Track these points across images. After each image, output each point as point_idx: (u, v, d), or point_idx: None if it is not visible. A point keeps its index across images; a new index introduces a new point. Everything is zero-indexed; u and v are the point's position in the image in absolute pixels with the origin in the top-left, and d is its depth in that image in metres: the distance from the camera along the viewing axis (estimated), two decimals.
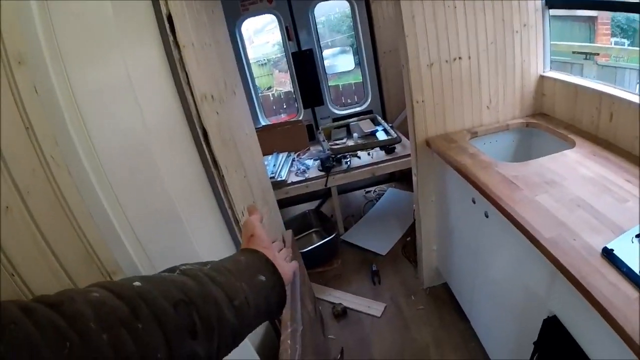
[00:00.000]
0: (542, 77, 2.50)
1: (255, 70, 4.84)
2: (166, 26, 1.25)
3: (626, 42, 7.97)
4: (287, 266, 0.77)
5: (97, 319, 0.43)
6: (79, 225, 0.66)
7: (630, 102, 1.90)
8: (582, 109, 2.22)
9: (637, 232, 1.30)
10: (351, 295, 3.10)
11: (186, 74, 1.31)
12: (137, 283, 0.51)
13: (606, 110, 2.04)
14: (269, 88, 5.61)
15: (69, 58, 0.75)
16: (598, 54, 5.15)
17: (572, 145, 2.06)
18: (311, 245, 3.38)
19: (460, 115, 2.44)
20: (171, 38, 1.26)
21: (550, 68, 2.55)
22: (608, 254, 1.23)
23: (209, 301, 0.55)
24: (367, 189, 4.54)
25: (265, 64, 5.60)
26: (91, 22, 0.84)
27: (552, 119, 2.44)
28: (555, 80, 2.42)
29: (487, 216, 1.84)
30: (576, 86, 2.24)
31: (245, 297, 0.62)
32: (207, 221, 1.36)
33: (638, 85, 4.67)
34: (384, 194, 4.38)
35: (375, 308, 2.92)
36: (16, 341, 0.36)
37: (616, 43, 7.56)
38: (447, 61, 2.30)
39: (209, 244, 1.30)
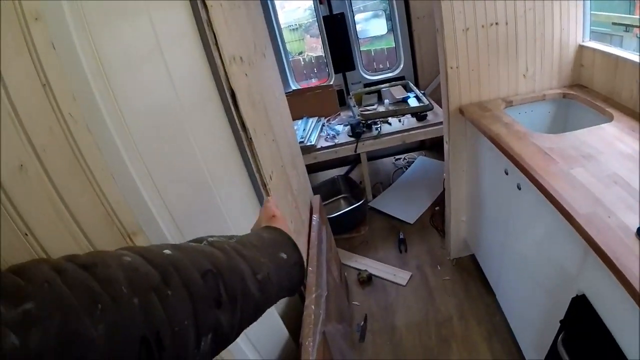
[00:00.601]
0: (581, 47, 2.39)
1: (287, 35, 4.79)
2: None
3: None
4: None
5: (129, 283, 0.44)
6: (99, 185, 0.65)
7: None
8: (621, 82, 2.12)
9: None
10: (377, 262, 3.10)
11: (214, 34, 1.28)
12: (167, 251, 0.52)
13: None
14: (300, 53, 5.54)
15: (92, 16, 0.73)
16: (637, 26, 4.92)
17: (610, 119, 1.98)
18: (339, 211, 3.38)
19: (495, 83, 2.36)
20: None
21: (590, 38, 2.44)
22: None
23: (235, 273, 0.56)
24: (397, 157, 4.50)
25: (297, 29, 5.53)
26: None
27: (590, 91, 2.34)
28: (594, 50, 2.31)
29: (519, 188, 1.79)
30: (617, 57, 2.15)
31: (268, 272, 0.62)
32: (235, 185, 1.35)
33: None
34: (413, 162, 4.34)
35: (400, 276, 2.92)
36: (48, 300, 0.37)
37: None
38: (483, 26, 2.21)
39: (237, 208, 1.30)
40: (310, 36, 5.53)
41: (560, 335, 1.47)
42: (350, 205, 3.45)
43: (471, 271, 2.83)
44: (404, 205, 3.62)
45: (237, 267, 0.57)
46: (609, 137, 1.79)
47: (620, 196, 1.37)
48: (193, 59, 1.21)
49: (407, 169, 4.22)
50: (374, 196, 3.81)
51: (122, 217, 0.69)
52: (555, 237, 1.53)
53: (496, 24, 2.22)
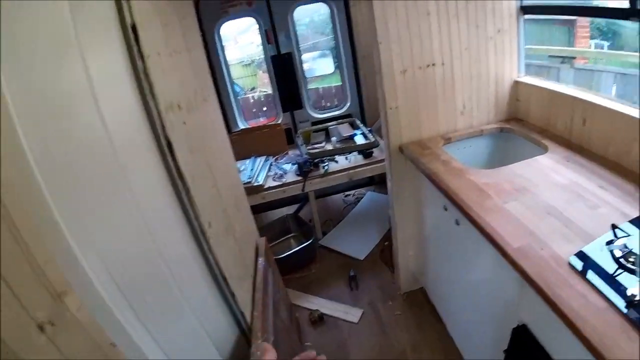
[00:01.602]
0: (516, 82, 2.52)
1: (239, 71, 4.83)
2: (130, 36, 1.23)
3: (606, 44, 8.10)
4: None
5: None
6: (26, 242, 0.63)
7: (602, 107, 1.92)
8: (556, 114, 2.24)
9: (608, 240, 1.31)
10: (329, 301, 3.08)
11: (150, 84, 1.29)
12: None
13: (579, 115, 2.06)
14: (253, 89, 5.58)
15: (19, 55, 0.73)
16: (575, 58, 5.23)
17: (545, 150, 2.08)
18: (289, 251, 3.36)
19: (434, 121, 2.44)
20: (135, 48, 1.24)
21: (525, 73, 2.57)
22: (576, 264, 1.23)
23: None
24: (347, 193, 4.53)
25: (250, 64, 5.57)
26: (47, 23, 0.82)
27: (527, 124, 2.46)
28: (529, 85, 2.44)
29: (458, 224, 1.85)
30: (550, 91, 2.27)
31: None
32: (174, 232, 1.33)
33: (614, 86, 4.77)
34: (363, 197, 4.38)
35: (352, 314, 2.91)
36: None
37: (596, 45, 7.69)
38: (420, 67, 2.30)
39: (176, 254, 1.28)
40: (263, 72, 5.60)
41: None
42: (301, 244, 3.43)
43: (422, 304, 2.85)
44: (354, 242, 3.63)
45: None
46: (544, 169, 1.87)
47: (553, 227, 1.43)
48: (129, 107, 1.20)
49: (356, 205, 4.26)
50: (324, 233, 3.82)
51: (50, 275, 0.68)
52: (494, 270, 1.57)
53: (433, 65, 2.31)
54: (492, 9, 2.34)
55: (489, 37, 2.37)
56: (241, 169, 3.53)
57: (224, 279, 1.48)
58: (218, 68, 4.02)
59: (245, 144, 3.74)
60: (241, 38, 5.01)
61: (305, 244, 3.35)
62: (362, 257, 3.44)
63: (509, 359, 1.51)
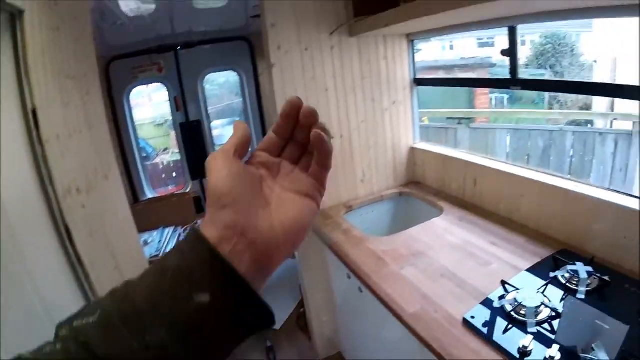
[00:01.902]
0: (412, 148, 2.70)
1: (152, 131, 4.75)
2: (31, 120, 1.22)
3: (505, 97, 8.81)
4: None
5: None
6: None
7: (490, 168, 2.12)
8: (449, 176, 2.42)
9: (499, 295, 1.41)
10: None
11: (48, 170, 1.27)
12: None
13: (470, 176, 2.25)
14: (166, 149, 5.46)
15: None
16: (470, 119, 5.66)
17: (441, 211, 2.22)
18: None
19: (335, 191, 2.54)
20: (35, 133, 1.23)
21: (423, 137, 2.75)
22: (468, 323, 1.32)
23: None
24: None
25: (163, 124, 5.48)
26: None
27: (424, 187, 2.62)
28: (424, 151, 2.62)
29: (361, 291, 1.90)
30: (443, 156, 2.45)
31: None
32: None
33: (508, 139, 5.17)
34: None
35: None
36: None
37: (496, 99, 8.35)
38: None
39: None
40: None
41: None
42: None
43: None
44: None
45: None
46: (438, 231, 2.00)
47: (447, 289, 1.53)
48: (29, 192, 1.19)
49: None
50: None
51: None
52: (398, 334, 1.60)
53: (332, 138, 2.40)
54: (387, 83, 2.54)
55: (384, 108, 2.54)
56: (149, 241, 3.45)
57: None
58: (126, 135, 3.96)
59: (153, 214, 3.66)
60: (156, 96, 4.94)
61: None
62: (277, 327, 3.40)
63: None
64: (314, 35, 2.26)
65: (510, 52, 1.99)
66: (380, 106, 2.54)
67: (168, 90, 4.05)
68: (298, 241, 0.46)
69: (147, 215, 3.31)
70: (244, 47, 4.12)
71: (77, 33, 1.90)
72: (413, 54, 2.63)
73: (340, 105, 2.41)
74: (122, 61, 3.74)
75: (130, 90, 3.97)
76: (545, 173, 1.93)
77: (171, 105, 4.10)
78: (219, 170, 0.42)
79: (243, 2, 3.21)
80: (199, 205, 4.11)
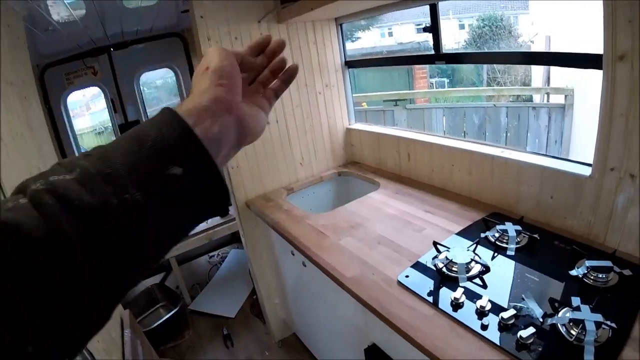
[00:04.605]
0: (348, 129, 2.78)
1: (92, 140, 4.65)
2: None
3: (446, 80, 8.99)
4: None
5: None
6: None
7: (421, 142, 2.22)
8: (385, 153, 2.52)
9: (433, 256, 1.50)
10: None
11: None
12: None
13: (404, 151, 2.35)
14: None
15: None
16: (405, 100, 5.81)
17: (378, 186, 2.32)
18: (158, 321, 3.27)
19: (276, 175, 2.58)
20: None
21: (358, 119, 2.83)
22: (404, 282, 1.40)
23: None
24: (211, 254, 4.51)
25: (103, 132, 5.37)
26: None
27: (363, 165, 2.71)
28: (359, 131, 2.70)
29: (304, 265, 1.97)
30: (377, 134, 2.54)
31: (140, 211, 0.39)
32: None
33: (444, 118, 5.33)
34: (227, 255, 4.40)
35: None
36: None
37: (437, 83, 8.54)
38: None
39: None
40: None
41: None
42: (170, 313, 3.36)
43: (297, 347, 2.92)
44: (223, 301, 3.62)
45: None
46: (376, 203, 2.09)
47: (384, 254, 1.61)
48: None
49: (222, 264, 4.27)
50: (193, 298, 3.77)
51: None
52: (342, 301, 1.69)
53: (268, 123, 2.46)
54: (318, 67, 2.60)
55: (318, 92, 2.61)
56: None
57: (90, 353, 1.46)
58: (66, 141, 3.88)
59: None
60: (94, 105, 4.84)
61: (173, 311, 3.28)
62: (233, 315, 3.44)
63: None
64: (243, 25, 2.28)
65: (433, 29, 2.09)
66: (313, 90, 2.60)
67: (105, 94, 3.98)
68: (254, 138, 0.55)
69: None
70: (178, 43, 4.10)
71: (12, 41, 1.91)
72: (343, 37, 2.70)
73: None
74: (56, 68, 3.67)
75: (67, 96, 3.88)
76: (473, 142, 2.03)
77: (109, 109, 4.04)
78: (226, 56, 0.51)
79: None
80: None
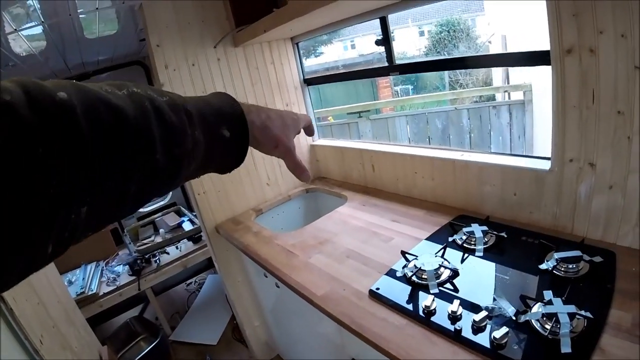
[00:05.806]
0: (312, 145, 2.80)
1: None
2: None
3: (410, 87, 9.11)
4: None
5: None
6: None
7: (384, 152, 2.25)
8: (350, 166, 2.54)
9: (402, 265, 1.51)
10: None
11: None
12: (62, 94, 0.41)
13: (368, 163, 2.37)
14: None
15: None
16: (369, 111, 5.88)
17: (345, 200, 2.33)
18: (139, 355, 3.21)
19: (244, 197, 2.57)
20: None
21: (321, 136, 2.85)
22: (374, 294, 1.41)
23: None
24: (188, 282, 4.45)
25: None
26: None
27: (329, 180, 2.73)
28: (323, 146, 2.72)
29: (277, 286, 1.97)
30: (341, 148, 2.57)
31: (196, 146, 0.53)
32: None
33: (407, 126, 5.40)
34: (204, 282, 4.36)
35: None
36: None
37: (402, 90, 8.64)
38: None
39: None
40: None
41: None
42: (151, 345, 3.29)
43: None
44: (204, 328, 3.58)
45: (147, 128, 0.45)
46: (343, 217, 2.11)
47: (353, 268, 1.62)
48: None
49: (200, 291, 4.23)
50: (173, 328, 3.71)
51: None
52: (317, 319, 1.66)
53: None
54: (277, 86, 2.62)
55: None
56: (72, 280, 3.34)
57: None
58: None
59: (73, 253, 3.52)
60: None
61: (153, 344, 3.22)
62: (215, 342, 3.40)
63: None
64: (200, 50, 2.29)
65: (385, 41, 2.12)
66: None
67: None
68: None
69: (67, 255, 3.19)
70: (139, 71, 4.08)
71: None
72: (300, 55, 2.73)
73: None
74: None
75: None
76: (434, 148, 2.07)
77: None
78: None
79: (132, 26, 3.19)
80: (117, 236, 4.00)
